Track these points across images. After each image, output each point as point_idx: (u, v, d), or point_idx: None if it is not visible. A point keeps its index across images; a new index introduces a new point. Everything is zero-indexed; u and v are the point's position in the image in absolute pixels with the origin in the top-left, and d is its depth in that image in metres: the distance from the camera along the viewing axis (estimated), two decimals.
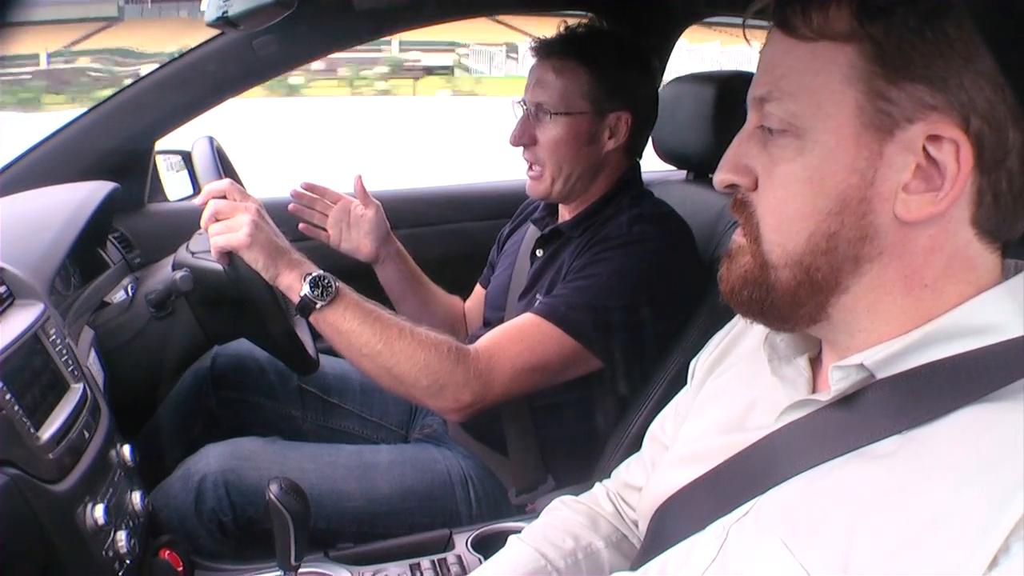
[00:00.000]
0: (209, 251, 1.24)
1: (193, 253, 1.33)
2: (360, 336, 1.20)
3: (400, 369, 1.20)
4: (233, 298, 1.28)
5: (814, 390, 0.70)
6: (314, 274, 1.20)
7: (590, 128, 1.39)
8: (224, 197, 1.24)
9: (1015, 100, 0.56)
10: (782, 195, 0.64)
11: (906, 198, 0.59)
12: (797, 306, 0.65)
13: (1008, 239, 0.62)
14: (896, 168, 0.59)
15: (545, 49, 1.41)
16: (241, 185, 1.29)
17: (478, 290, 1.77)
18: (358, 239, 1.57)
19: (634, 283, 1.28)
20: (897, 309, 0.62)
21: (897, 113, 0.58)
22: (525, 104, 1.43)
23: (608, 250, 1.31)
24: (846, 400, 0.63)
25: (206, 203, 1.23)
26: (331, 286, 1.20)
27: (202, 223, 1.23)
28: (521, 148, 1.43)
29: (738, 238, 0.69)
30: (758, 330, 0.77)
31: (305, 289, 1.19)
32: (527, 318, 1.28)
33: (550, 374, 1.28)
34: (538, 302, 1.31)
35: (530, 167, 1.44)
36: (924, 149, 0.58)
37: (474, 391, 1.22)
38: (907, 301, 0.62)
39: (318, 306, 1.19)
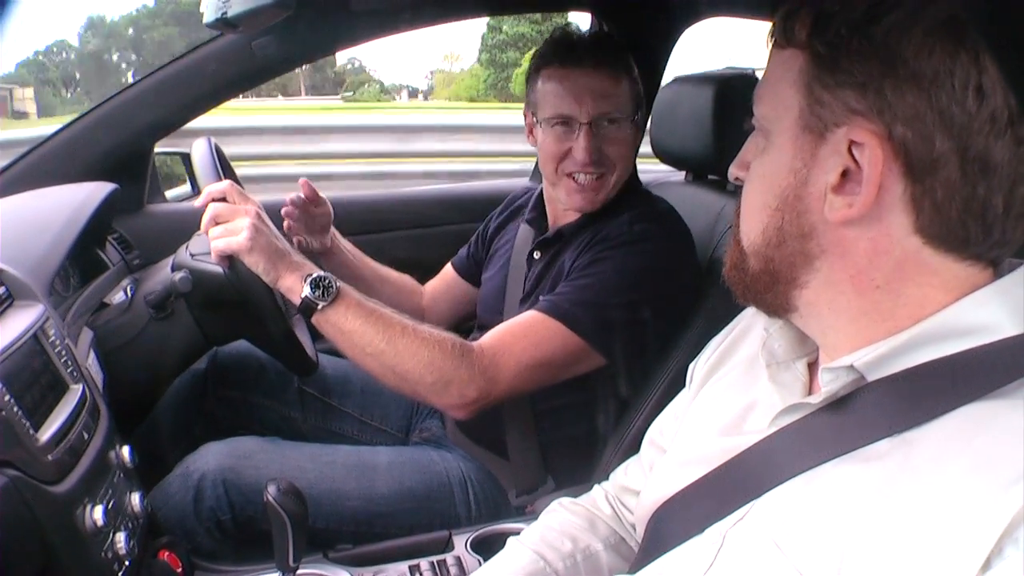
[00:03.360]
0: (209, 253, 1.24)
1: (193, 255, 1.33)
2: (363, 335, 1.20)
3: (404, 367, 1.20)
4: (233, 300, 1.28)
5: (810, 394, 0.71)
6: (315, 275, 1.20)
7: (638, 132, 1.40)
8: (224, 199, 1.24)
9: (950, 109, 0.56)
10: (748, 189, 0.70)
11: (832, 198, 0.61)
12: (764, 292, 0.69)
13: (983, 253, 0.61)
14: (825, 170, 0.62)
15: (590, 56, 1.33)
16: (241, 187, 1.29)
17: (447, 271, 1.77)
18: (319, 236, 1.59)
19: (636, 281, 1.28)
20: (855, 308, 0.64)
21: (828, 117, 0.61)
22: (568, 120, 1.33)
23: (610, 249, 1.31)
24: (839, 403, 0.64)
25: (206, 205, 1.23)
26: (332, 286, 1.20)
27: (202, 226, 1.23)
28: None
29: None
30: (757, 334, 0.79)
31: (306, 291, 1.19)
32: (531, 315, 1.28)
33: (554, 370, 1.28)
34: (541, 300, 1.31)
35: (588, 181, 1.36)
36: (851, 153, 0.60)
37: (479, 387, 1.22)
38: (863, 301, 0.63)
39: (320, 307, 1.19)
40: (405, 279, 1.76)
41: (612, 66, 1.34)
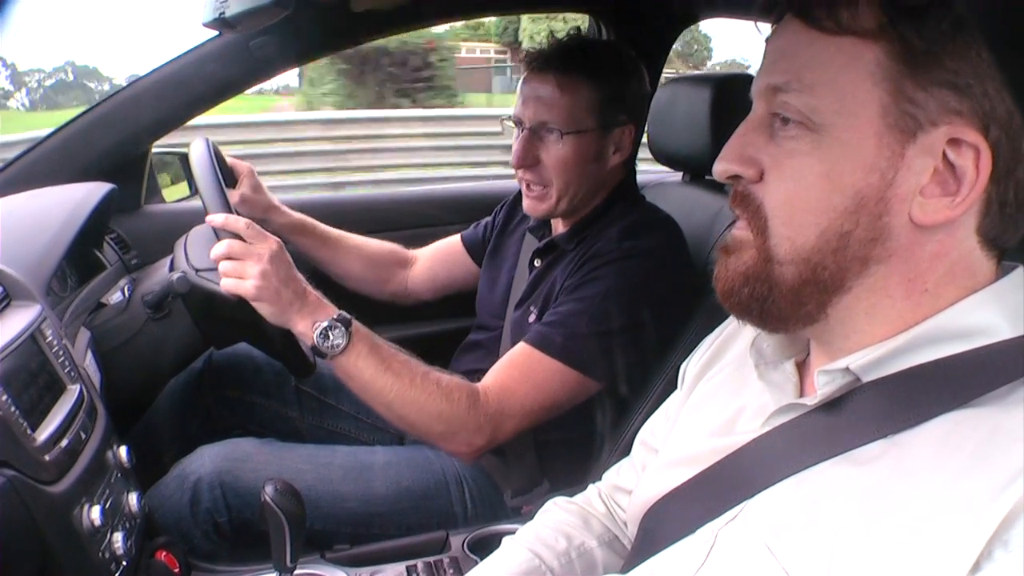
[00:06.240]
0: (213, 269, 1.24)
1: (197, 270, 1.32)
2: (372, 385, 1.22)
3: (412, 418, 1.24)
4: (236, 313, 1.26)
5: (801, 394, 0.70)
6: (324, 324, 1.19)
7: (597, 145, 1.37)
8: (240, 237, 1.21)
9: None
10: (794, 188, 0.62)
11: (923, 201, 0.59)
12: (799, 305, 0.64)
13: (1006, 247, 0.62)
14: (915, 171, 0.59)
15: (544, 62, 1.36)
16: (233, 183, 1.27)
17: (454, 243, 1.78)
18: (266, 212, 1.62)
19: (628, 301, 1.28)
20: (895, 312, 0.62)
21: (922, 116, 0.58)
22: (520, 122, 1.38)
23: (599, 267, 1.31)
24: (833, 404, 0.63)
25: (212, 217, 1.22)
26: (343, 335, 1.20)
27: (212, 255, 1.22)
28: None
29: (739, 232, 0.67)
30: (748, 333, 0.77)
31: (315, 340, 1.19)
32: (528, 354, 1.28)
33: (557, 409, 1.30)
34: (535, 331, 1.31)
35: (528, 186, 1.40)
36: (944, 154, 0.58)
37: (486, 435, 1.25)
38: (906, 305, 0.62)
39: (329, 356, 1.20)
40: (385, 251, 1.79)
41: (563, 75, 1.34)
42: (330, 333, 1.19)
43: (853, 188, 0.60)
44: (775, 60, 0.64)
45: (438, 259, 1.79)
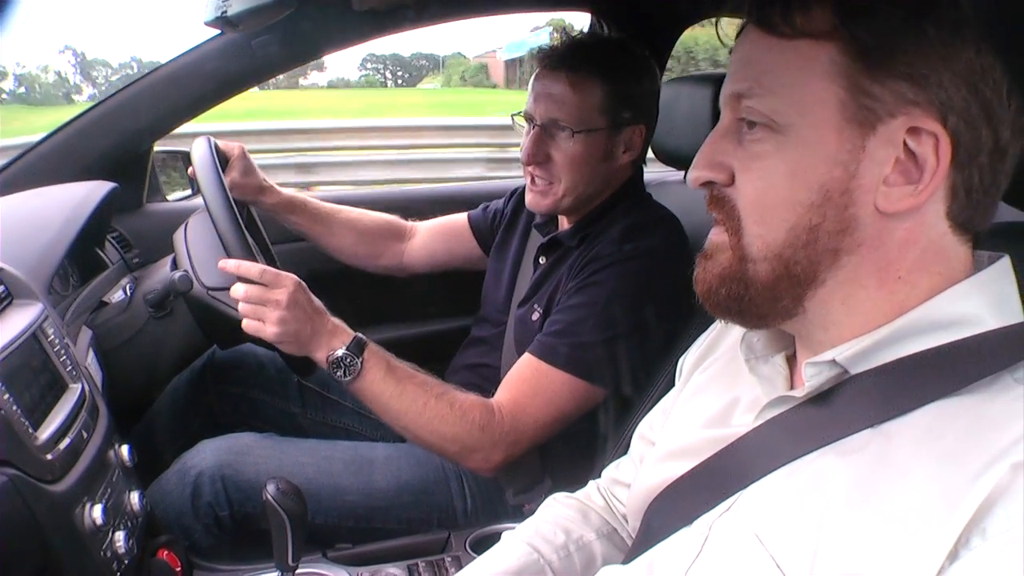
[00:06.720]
0: (225, 289, 1.26)
1: (208, 289, 1.32)
2: (386, 410, 1.24)
3: (427, 439, 1.25)
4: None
5: (792, 387, 0.71)
6: (339, 353, 1.22)
7: (607, 144, 1.36)
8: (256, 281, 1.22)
9: (992, 103, 0.59)
10: (762, 187, 0.64)
11: (887, 191, 0.61)
12: (775, 300, 0.66)
13: (979, 231, 0.64)
14: (877, 161, 0.60)
15: (557, 60, 1.35)
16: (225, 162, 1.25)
17: (459, 222, 1.77)
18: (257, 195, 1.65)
19: (632, 303, 1.28)
20: (871, 302, 0.63)
21: (880, 108, 0.60)
22: (531, 118, 1.38)
23: (601, 271, 1.31)
24: (822, 396, 0.64)
25: (225, 263, 1.23)
26: (355, 364, 1.22)
27: (231, 295, 1.23)
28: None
29: (715, 237, 0.70)
30: (739, 327, 0.77)
31: (329, 368, 1.22)
32: (535, 367, 1.29)
33: (569, 418, 1.30)
34: (540, 342, 1.30)
35: (533, 180, 1.40)
36: (904, 143, 0.60)
37: (503, 452, 1.26)
38: (881, 294, 0.63)
39: (343, 384, 1.23)
40: (379, 224, 1.80)
41: (575, 73, 1.33)
42: (343, 361, 1.22)
43: (818, 183, 0.62)
44: (738, 69, 0.66)
45: (439, 234, 1.79)
